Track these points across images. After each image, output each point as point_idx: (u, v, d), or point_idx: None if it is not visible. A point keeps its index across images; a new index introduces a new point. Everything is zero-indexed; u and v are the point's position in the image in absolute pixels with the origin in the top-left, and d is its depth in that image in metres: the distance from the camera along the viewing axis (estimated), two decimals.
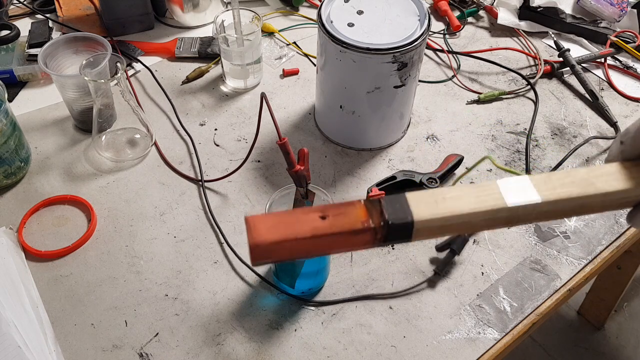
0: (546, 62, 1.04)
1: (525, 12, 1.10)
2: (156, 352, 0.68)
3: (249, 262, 0.75)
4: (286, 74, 1.01)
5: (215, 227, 0.79)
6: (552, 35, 1.08)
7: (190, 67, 1.01)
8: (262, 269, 0.75)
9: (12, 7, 1.10)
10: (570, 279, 0.76)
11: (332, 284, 0.74)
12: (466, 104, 0.97)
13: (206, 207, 0.82)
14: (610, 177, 0.43)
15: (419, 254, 0.77)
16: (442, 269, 0.75)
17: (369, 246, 0.42)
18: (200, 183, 0.84)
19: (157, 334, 0.69)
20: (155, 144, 0.89)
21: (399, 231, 0.42)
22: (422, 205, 0.42)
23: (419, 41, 0.77)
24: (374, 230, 0.41)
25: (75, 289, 0.73)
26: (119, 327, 0.70)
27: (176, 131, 0.92)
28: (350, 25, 0.79)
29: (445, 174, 0.84)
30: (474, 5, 1.15)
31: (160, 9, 1.09)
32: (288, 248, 0.41)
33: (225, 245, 0.78)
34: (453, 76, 1.02)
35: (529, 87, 1.00)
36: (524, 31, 1.10)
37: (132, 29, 1.07)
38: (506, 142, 0.92)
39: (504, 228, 0.73)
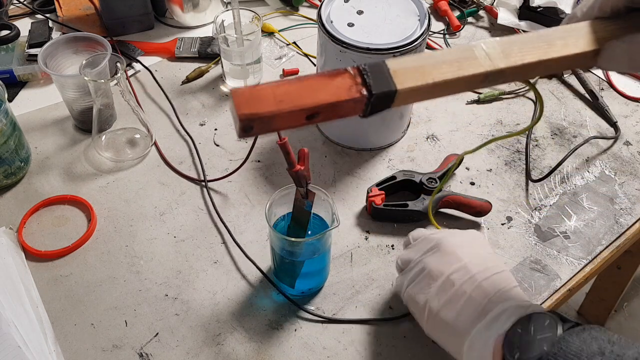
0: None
1: (525, 12, 1.10)
2: (156, 352, 0.68)
3: (247, 264, 0.75)
4: (286, 74, 1.01)
5: (222, 226, 0.79)
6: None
7: (190, 67, 1.01)
8: (262, 268, 0.75)
9: (12, 7, 1.10)
10: (570, 279, 0.76)
11: (332, 284, 0.74)
12: (466, 104, 0.97)
13: (210, 206, 0.82)
14: (570, 38, 0.47)
15: None
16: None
17: (351, 95, 0.44)
18: (204, 183, 0.84)
19: (157, 334, 0.69)
20: (155, 144, 0.89)
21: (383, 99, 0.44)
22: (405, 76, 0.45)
23: (419, 41, 0.77)
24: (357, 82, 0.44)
25: (75, 289, 0.73)
26: (119, 327, 0.70)
27: (176, 131, 0.92)
28: (350, 25, 0.79)
29: (445, 174, 0.84)
30: (474, 5, 1.15)
31: (160, 9, 1.09)
32: (270, 93, 0.42)
33: (225, 245, 0.78)
34: None
35: (528, 87, 1.00)
36: (523, 31, 1.10)
37: (132, 29, 1.07)
38: (506, 142, 0.92)
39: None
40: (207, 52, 1.02)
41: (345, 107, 0.44)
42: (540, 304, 0.74)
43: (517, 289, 0.59)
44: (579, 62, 0.49)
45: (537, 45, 0.47)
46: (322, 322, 0.71)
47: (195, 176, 0.85)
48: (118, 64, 0.80)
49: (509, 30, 1.10)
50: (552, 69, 0.48)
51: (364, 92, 0.43)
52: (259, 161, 0.88)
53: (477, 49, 0.46)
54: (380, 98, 0.44)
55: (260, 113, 0.42)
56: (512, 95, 0.99)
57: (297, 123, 0.44)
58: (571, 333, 0.49)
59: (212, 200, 0.82)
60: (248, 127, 0.42)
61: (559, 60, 0.47)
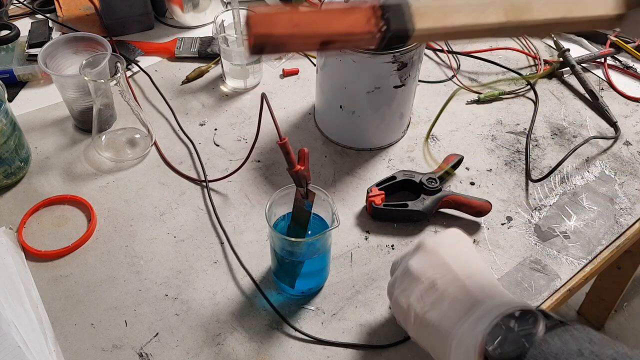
0: (546, 62, 1.04)
1: None
2: (156, 352, 0.68)
3: (248, 265, 0.76)
4: (286, 74, 1.01)
5: (219, 228, 0.79)
6: (552, 35, 1.08)
7: (190, 67, 1.01)
8: (261, 270, 0.75)
9: (12, 7, 1.10)
10: (570, 279, 0.76)
11: (332, 284, 0.74)
12: (466, 104, 0.97)
13: (210, 207, 0.82)
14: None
15: None
16: None
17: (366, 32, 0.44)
18: (205, 184, 0.84)
19: (157, 334, 0.69)
20: (155, 144, 0.89)
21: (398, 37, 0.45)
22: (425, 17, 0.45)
23: None
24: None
25: (75, 289, 0.73)
26: (119, 327, 0.70)
27: (176, 131, 0.92)
28: None
29: (445, 174, 0.84)
30: None
31: (160, 9, 1.09)
32: (287, 17, 0.43)
33: (225, 245, 0.78)
34: (453, 76, 1.02)
35: (529, 87, 1.00)
36: None
37: (132, 29, 1.07)
38: (506, 142, 0.92)
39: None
40: (207, 52, 1.02)
41: (360, 38, 0.44)
42: (540, 304, 0.74)
43: (500, 287, 0.58)
44: (601, 25, 0.48)
45: (563, 1, 0.47)
46: (322, 322, 0.71)
47: (195, 176, 0.85)
48: (118, 64, 0.80)
49: None
50: (573, 28, 0.49)
51: (382, 26, 0.44)
52: (259, 161, 0.88)
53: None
54: (397, 35, 0.44)
55: (275, 34, 0.43)
56: (512, 95, 0.99)
57: (311, 48, 0.45)
58: (553, 335, 0.49)
59: (212, 201, 0.82)
60: (259, 45, 0.43)
61: (581, 21, 0.47)
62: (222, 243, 0.78)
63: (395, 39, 0.44)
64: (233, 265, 0.76)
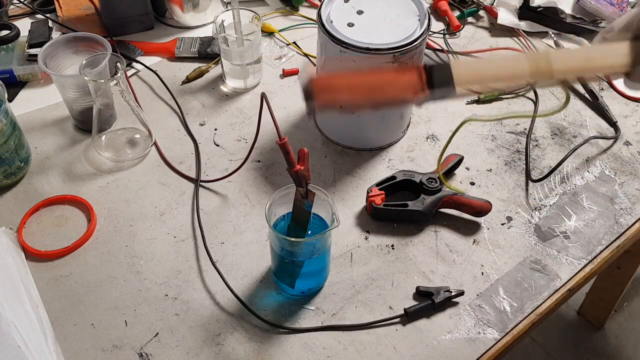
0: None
1: (525, 12, 1.10)
2: (156, 352, 0.68)
3: (248, 265, 0.76)
4: (286, 74, 1.01)
5: (223, 226, 0.79)
6: (552, 35, 1.08)
7: (190, 67, 1.01)
8: (260, 270, 0.75)
9: (12, 7, 1.10)
10: (570, 279, 0.76)
11: (332, 284, 0.74)
12: (466, 104, 0.97)
13: (201, 206, 0.82)
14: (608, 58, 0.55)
15: (419, 254, 0.77)
16: (414, 312, 0.71)
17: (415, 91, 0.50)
18: (198, 183, 0.84)
19: (157, 334, 0.69)
20: (155, 143, 0.89)
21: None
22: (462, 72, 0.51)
23: (418, 41, 0.77)
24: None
25: (75, 289, 0.73)
26: (119, 327, 0.70)
27: (176, 131, 0.92)
28: (350, 25, 0.79)
29: (445, 174, 0.84)
30: (474, 5, 1.15)
31: (160, 9, 1.09)
32: (345, 84, 0.49)
33: (225, 245, 0.78)
34: None
35: (529, 87, 1.00)
36: (524, 31, 1.10)
37: (132, 29, 1.06)
38: (506, 142, 0.92)
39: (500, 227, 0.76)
40: (207, 52, 1.02)
41: (407, 101, 0.52)
42: (540, 304, 0.74)
43: None
44: (612, 75, 0.57)
45: (579, 59, 0.55)
46: (322, 322, 0.71)
47: (195, 176, 0.85)
48: (118, 64, 0.80)
49: (509, 30, 1.10)
50: (586, 77, 0.57)
51: (427, 89, 0.49)
52: (259, 161, 0.88)
53: (529, 60, 0.52)
54: (439, 99, 0.50)
55: (336, 101, 0.49)
56: (512, 96, 0.99)
57: (363, 109, 0.55)
58: None
59: (198, 202, 0.82)
60: (322, 109, 0.50)
61: (591, 77, 0.57)
62: (222, 243, 0.78)
63: (440, 96, 0.50)
64: (233, 265, 0.76)
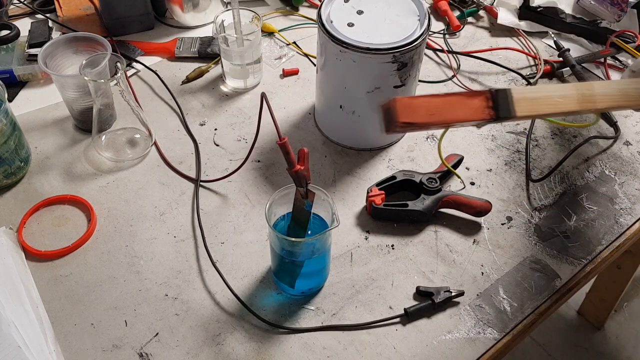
0: (546, 62, 1.04)
1: (525, 12, 1.10)
2: (156, 352, 0.68)
3: (247, 265, 0.76)
4: (286, 74, 1.01)
5: (223, 225, 0.79)
6: (552, 35, 1.08)
7: (190, 67, 1.01)
8: (260, 270, 0.75)
9: (12, 7, 1.10)
10: (570, 279, 0.76)
11: (332, 284, 0.74)
12: None
13: (201, 206, 0.82)
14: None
15: (419, 254, 0.77)
16: (414, 312, 0.71)
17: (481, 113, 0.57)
18: (198, 183, 0.84)
19: (157, 333, 0.69)
20: (155, 143, 0.89)
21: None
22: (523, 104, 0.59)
23: (418, 41, 0.77)
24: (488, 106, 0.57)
25: (75, 289, 0.73)
26: (119, 327, 0.70)
27: (176, 131, 0.92)
28: (350, 25, 0.79)
29: (445, 174, 0.84)
30: (474, 5, 1.15)
31: (160, 9, 1.09)
32: (424, 106, 0.56)
33: (225, 245, 0.78)
34: (453, 76, 1.02)
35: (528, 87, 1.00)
36: (524, 31, 1.10)
37: (132, 29, 1.07)
38: (506, 142, 0.92)
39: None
40: (207, 52, 1.02)
41: (476, 122, 0.57)
42: (540, 304, 0.74)
43: None
44: None
45: (617, 95, 0.62)
46: (322, 322, 0.71)
47: (195, 176, 0.85)
48: (118, 64, 0.80)
49: (509, 30, 1.10)
50: (622, 108, 0.66)
51: (492, 114, 0.56)
52: (259, 161, 0.88)
53: (578, 90, 0.60)
54: (502, 119, 0.57)
55: (416, 122, 0.55)
56: None
57: (436, 129, 0.60)
58: None
59: (198, 202, 0.82)
60: (401, 129, 0.56)
61: (630, 107, 0.65)
62: (222, 243, 0.78)
63: (500, 121, 0.58)
64: (233, 265, 0.76)
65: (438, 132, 0.92)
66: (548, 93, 0.60)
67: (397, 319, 0.71)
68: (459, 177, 0.85)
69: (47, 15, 1.07)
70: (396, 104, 0.55)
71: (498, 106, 0.57)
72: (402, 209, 0.79)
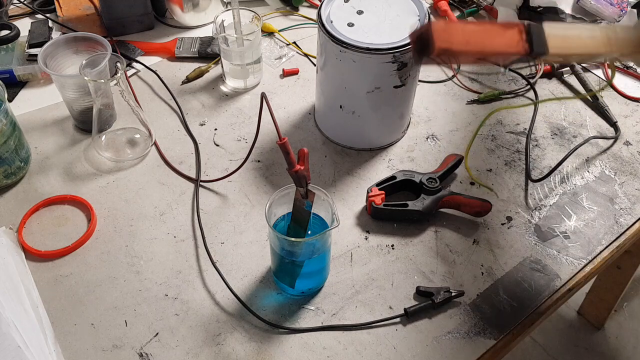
0: (546, 62, 1.04)
1: (525, 12, 1.10)
2: (156, 352, 0.68)
3: (247, 265, 0.76)
4: (286, 74, 1.01)
5: (223, 225, 0.79)
6: None
7: (190, 67, 1.01)
8: (260, 270, 0.75)
9: (12, 7, 1.10)
10: (570, 279, 0.76)
11: (332, 284, 0.74)
12: (466, 103, 0.97)
13: (201, 206, 0.82)
14: None
15: (419, 254, 0.77)
16: (414, 312, 0.71)
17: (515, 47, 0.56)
18: (198, 183, 0.84)
19: (157, 334, 0.69)
20: (155, 143, 0.89)
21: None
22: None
23: None
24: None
25: (75, 289, 0.73)
26: (119, 327, 0.70)
27: (176, 131, 0.92)
28: (350, 25, 0.79)
29: (445, 174, 0.84)
30: (474, 5, 1.15)
31: (160, 9, 1.09)
32: (461, 32, 0.54)
33: (225, 245, 0.78)
34: (453, 76, 1.02)
35: (528, 87, 1.00)
36: None
37: (132, 29, 1.07)
38: (506, 142, 0.92)
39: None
40: (207, 52, 1.02)
41: (510, 55, 0.55)
42: (540, 304, 0.74)
43: None
44: None
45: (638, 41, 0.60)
46: (322, 322, 0.71)
47: (195, 176, 0.85)
48: (118, 64, 0.80)
49: None
50: None
51: (527, 48, 0.54)
52: (259, 161, 0.88)
53: (603, 32, 0.59)
54: (536, 55, 0.55)
55: (453, 49, 0.52)
56: (512, 96, 0.99)
57: (469, 61, 0.61)
58: None
59: (198, 203, 0.82)
60: (436, 58, 0.53)
61: None
62: (222, 243, 0.78)
63: (532, 58, 0.56)
64: (233, 265, 0.76)
65: (438, 132, 0.92)
66: (578, 31, 0.59)
67: (397, 319, 0.71)
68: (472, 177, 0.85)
69: (47, 15, 1.07)
70: (432, 28, 0.52)
71: (532, 40, 0.55)
72: (402, 209, 0.79)
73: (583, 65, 1.04)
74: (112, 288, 0.73)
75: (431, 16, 0.81)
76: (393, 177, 0.83)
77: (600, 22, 1.09)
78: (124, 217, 0.80)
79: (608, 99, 0.99)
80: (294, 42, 1.06)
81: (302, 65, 1.02)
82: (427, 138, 0.92)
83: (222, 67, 0.98)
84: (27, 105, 0.94)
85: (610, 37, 0.60)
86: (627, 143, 0.92)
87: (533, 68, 1.04)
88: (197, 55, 1.03)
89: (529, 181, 0.86)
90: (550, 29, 0.56)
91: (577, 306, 1.64)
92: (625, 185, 0.86)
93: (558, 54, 0.57)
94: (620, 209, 0.84)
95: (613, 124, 0.94)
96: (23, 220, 0.79)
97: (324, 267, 0.73)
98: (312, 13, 1.12)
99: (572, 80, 1.02)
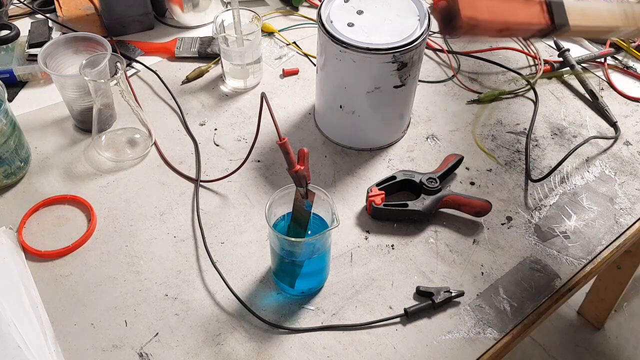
0: (546, 62, 1.04)
1: None
2: (156, 352, 0.68)
3: (247, 265, 0.76)
4: (286, 74, 1.01)
5: (223, 226, 0.79)
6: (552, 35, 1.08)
7: (190, 67, 1.01)
8: (260, 270, 0.75)
9: (12, 7, 1.10)
10: (570, 279, 0.76)
11: (332, 284, 0.74)
12: (466, 103, 0.97)
13: (201, 206, 0.82)
14: None
15: (419, 254, 0.77)
16: (414, 312, 0.71)
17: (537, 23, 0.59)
18: (198, 183, 0.84)
19: (157, 333, 0.69)
20: (155, 143, 0.89)
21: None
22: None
23: (418, 41, 0.77)
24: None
25: (75, 289, 0.73)
26: (119, 327, 0.70)
27: (176, 131, 0.92)
28: (350, 25, 0.79)
29: (445, 174, 0.84)
30: None
31: (160, 9, 1.09)
32: (486, 3, 0.56)
33: (225, 245, 0.78)
34: (453, 76, 1.02)
35: (528, 87, 1.00)
36: None
37: (132, 29, 1.07)
38: (506, 142, 0.92)
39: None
40: (207, 52, 1.02)
41: (533, 28, 0.57)
42: (540, 304, 0.74)
43: None
44: None
45: None
46: (322, 322, 0.71)
47: (195, 176, 0.85)
48: (118, 64, 0.80)
49: None
50: None
51: (549, 20, 0.58)
52: (259, 161, 0.88)
53: (620, 7, 0.63)
54: (557, 28, 0.58)
55: (479, 19, 0.54)
56: (512, 95, 0.99)
57: (492, 34, 0.58)
58: None
59: (198, 203, 0.82)
60: (462, 28, 0.55)
61: None
62: (222, 243, 0.78)
63: (554, 32, 0.59)
64: (233, 265, 0.76)
65: (438, 132, 0.92)
66: (596, 5, 0.62)
67: (397, 319, 0.71)
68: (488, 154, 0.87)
69: (47, 15, 1.07)
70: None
71: (553, 14, 0.58)
72: (402, 209, 0.79)
73: (583, 65, 1.04)
74: (112, 288, 0.73)
75: (431, 17, 0.81)
76: (393, 177, 0.83)
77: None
78: (124, 217, 0.80)
79: (608, 99, 0.99)
80: (294, 42, 1.06)
81: (302, 65, 1.02)
82: (427, 138, 0.92)
83: (222, 67, 0.98)
84: (27, 105, 0.94)
85: (627, 12, 0.63)
86: (627, 143, 0.92)
87: (534, 68, 1.04)
88: (197, 55, 1.03)
89: (529, 181, 0.86)
90: (570, 3, 0.60)
91: (577, 306, 1.64)
92: (625, 185, 0.86)
93: (578, 27, 0.60)
94: (620, 209, 0.84)
95: (613, 124, 0.94)
96: (23, 220, 0.79)
97: (324, 267, 0.73)
98: (312, 13, 1.12)
99: (572, 80, 1.02)
